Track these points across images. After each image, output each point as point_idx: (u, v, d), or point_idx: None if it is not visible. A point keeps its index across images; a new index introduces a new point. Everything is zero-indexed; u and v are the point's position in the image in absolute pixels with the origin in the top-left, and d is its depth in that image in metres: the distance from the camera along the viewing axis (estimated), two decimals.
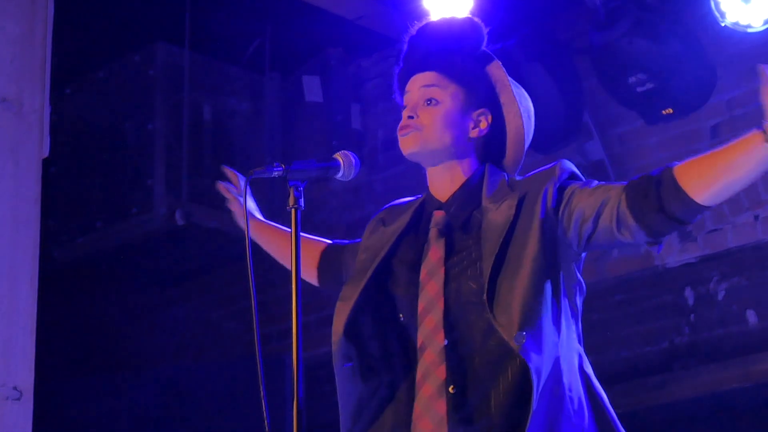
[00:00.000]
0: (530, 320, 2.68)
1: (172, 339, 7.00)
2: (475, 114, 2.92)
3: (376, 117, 6.62)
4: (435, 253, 2.85)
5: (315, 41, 6.57)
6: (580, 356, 2.79)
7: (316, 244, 3.29)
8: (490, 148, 2.94)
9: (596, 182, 2.84)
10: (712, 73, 5.42)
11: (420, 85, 2.92)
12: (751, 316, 5.45)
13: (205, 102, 6.50)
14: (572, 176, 2.86)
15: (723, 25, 5.16)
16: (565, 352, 2.72)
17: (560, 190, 2.81)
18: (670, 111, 5.40)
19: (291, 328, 2.67)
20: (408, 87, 2.95)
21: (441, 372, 2.75)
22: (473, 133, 2.91)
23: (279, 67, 6.71)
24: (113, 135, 6.46)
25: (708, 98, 5.44)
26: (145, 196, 6.28)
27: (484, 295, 2.72)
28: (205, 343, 6.81)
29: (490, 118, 2.93)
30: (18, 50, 4.56)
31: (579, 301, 2.83)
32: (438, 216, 2.89)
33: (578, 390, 2.73)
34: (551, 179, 2.82)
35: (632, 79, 5.33)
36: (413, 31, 3.00)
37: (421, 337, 2.79)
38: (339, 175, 2.86)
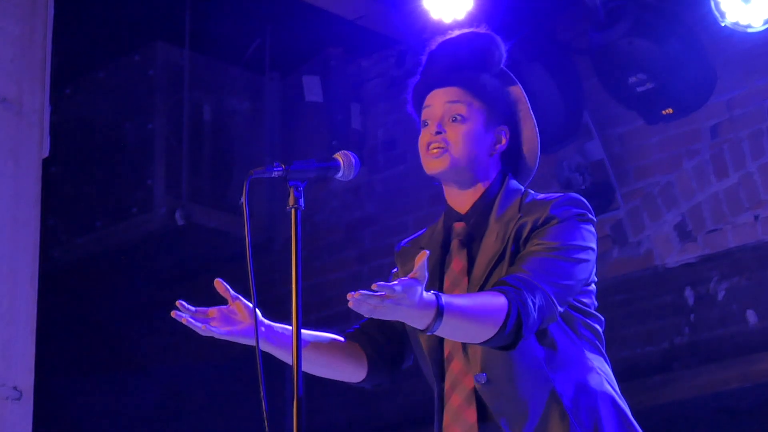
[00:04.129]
0: (493, 359, 2.74)
1: (172, 339, 6.99)
2: (496, 130, 2.93)
3: (376, 117, 6.61)
4: (457, 263, 2.86)
5: (315, 41, 6.56)
6: (598, 374, 2.81)
7: (338, 340, 3.03)
8: (507, 162, 2.96)
9: (544, 240, 2.78)
10: (712, 73, 5.41)
11: (444, 101, 2.92)
12: (751, 316, 5.45)
13: (205, 102, 6.50)
14: (552, 220, 2.80)
15: (723, 25, 5.15)
16: (565, 377, 2.75)
17: (530, 232, 2.80)
18: (670, 111, 5.40)
19: (291, 328, 2.67)
20: (429, 101, 2.94)
21: (469, 381, 2.78)
22: (494, 149, 2.93)
23: (279, 67, 6.71)
24: (113, 135, 6.45)
25: (708, 98, 5.44)
26: (145, 196, 6.28)
27: None
28: (205, 343, 6.80)
29: (508, 134, 2.94)
30: (18, 50, 4.56)
31: (588, 323, 2.84)
32: (458, 227, 2.91)
33: (592, 409, 2.75)
34: (537, 216, 2.81)
35: (632, 79, 5.33)
36: (434, 45, 2.99)
37: (447, 348, 2.83)
38: (339, 175, 2.85)
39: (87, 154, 6.53)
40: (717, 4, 5.13)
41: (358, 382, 3.02)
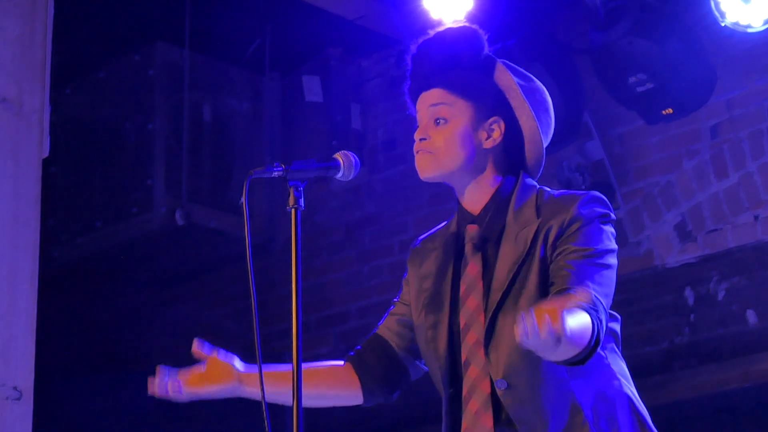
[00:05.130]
0: (516, 366, 2.73)
1: (172, 339, 6.99)
2: (486, 124, 2.89)
3: (376, 117, 6.61)
4: (473, 268, 2.84)
5: (315, 41, 6.56)
6: (617, 379, 2.81)
7: (335, 367, 3.06)
8: (510, 154, 2.92)
9: (580, 245, 2.76)
10: (712, 73, 5.41)
11: (428, 104, 2.90)
12: (751, 316, 5.45)
13: (205, 102, 6.50)
14: (578, 221, 2.78)
15: (723, 25, 5.15)
16: (585, 384, 2.75)
17: (559, 234, 2.78)
18: (670, 111, 5.40)
19: (291, 328, 2.67)
20: (418, 106, 2.94)
21: (486, 386, 2.76)
22: (488, 144, 2.89)
23: (279, 67, 6.71)
24: (113, 135, 6.45)
25: (708, 98, 5.44)
26: (145, 196, 6.28)
27: (483, 333, 2.77)
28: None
29: (503, 125, 2.90)
30: (18, 50, 4.56)
31: (609, 326, 2.81)
32: (472, 230, 2.88)
33: (611, 417, 2.74)
34: (563, 218, 2.79)
35: (632, 79, 5.32)
36: (413, 48, 2.98)
37: (465, 353, 2.81)
38: (339, 175, 2.85)
39: (87, 154, 6.53)
40: (717, 4, 5.13)
41: (358, 405, 3.06)
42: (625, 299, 5.69)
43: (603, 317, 2.64)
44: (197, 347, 2.95)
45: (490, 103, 2.90)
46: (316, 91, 6.60)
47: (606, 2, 5.30)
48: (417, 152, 2.89)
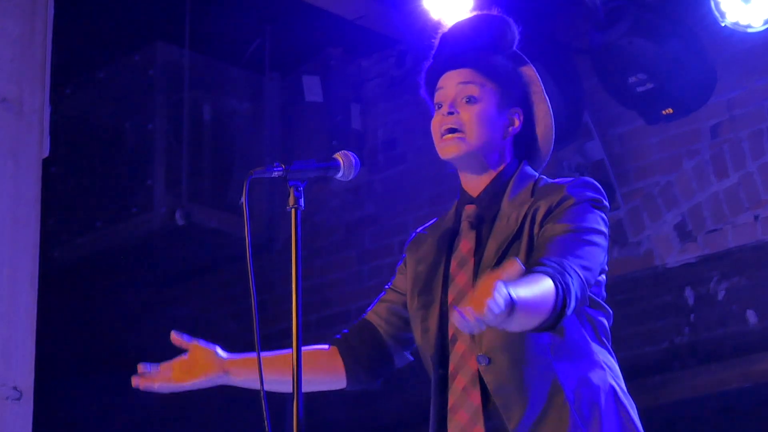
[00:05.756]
0: (498, 343, 2.73)
1: None
2: (509, 112, 2.93)
3: (376, 117, 6.61)
4: (465, 245, 2.86)
5: (315, 41, 6.56)
6: (602, 369, 2.79)
7: (319, 351, 3.05)
8: (521, 146, 2.96)
9: (566, 223, 2.77)
10: (712, 73, 5.41)
11: (457, 82, 2.91)
12: (751, 316, 5.45)
13: (205, 102, 6.50)
14: (568, 200, 2.80)
15: (723, 25, 5.16)
16: (569, 368, 2.74)
17: (547, 213, 2.80)
18: (670, 111, 5.40)
19: (291, 328, 2.67)
20: (441, 83, 2.94)
21: (473, 363, 2.77)
22: (507, 132, 2.93)
23: (279, 67, 6.71)
24: (113, 135, 6.45)
25: (708, 98, 5.44)
26: (145, 196, 6.28)
27: None
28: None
29: (522, 116, 2.94)
30: (18, 50, 4.56)
31: (594, 314, 2.83)
32: (469, 210, 2.91)
33: (593, 402, 2.74)
34: (553, 199, 2.82)
35: (632, 79, 5.33)
36: (446, 28, 2.99)
37: (452, 330, 2.82)
38: (339, 175, 2.86)
39: (87, 154, 6.53)
40: (717, 4, 5.13)
41: (341, 389, 3.05)
42: (625, 299, 5.69)
43: (573, 282, 2.62)
44: (177, 337, 2.97)
45: (515, 93, 2.94)
46: (316, 91, 6.60)
47: (606, 2, 5.31)
48: (443, 127, 2.88)
